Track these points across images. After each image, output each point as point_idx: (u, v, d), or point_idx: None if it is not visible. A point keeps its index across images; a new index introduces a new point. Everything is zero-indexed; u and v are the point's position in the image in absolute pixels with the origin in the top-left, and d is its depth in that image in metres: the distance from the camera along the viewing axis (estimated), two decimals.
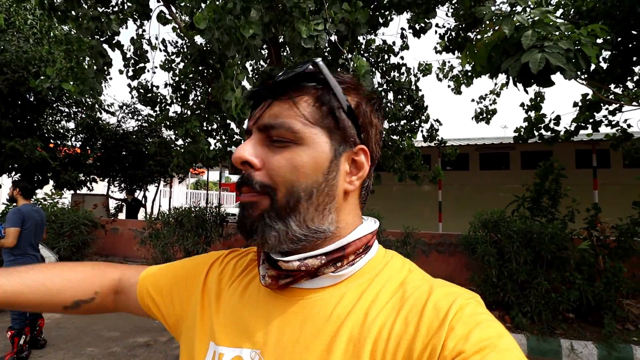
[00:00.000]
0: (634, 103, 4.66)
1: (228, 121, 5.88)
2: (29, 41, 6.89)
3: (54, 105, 8.42)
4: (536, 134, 5.27)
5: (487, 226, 4.49)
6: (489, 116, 8.02)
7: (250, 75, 3.85)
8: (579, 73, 2.41)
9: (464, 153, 10.53)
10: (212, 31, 3.34)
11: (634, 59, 4.05)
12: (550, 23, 2.53)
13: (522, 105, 5.89)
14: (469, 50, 3.25)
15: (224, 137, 6.20)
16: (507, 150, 10.67)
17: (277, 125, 0.45)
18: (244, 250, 0.63)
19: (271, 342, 0.46)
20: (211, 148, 5.49)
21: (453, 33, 4.67)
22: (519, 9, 2.58)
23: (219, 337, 0.50)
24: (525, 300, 4.01)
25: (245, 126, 0.50)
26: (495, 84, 8.26)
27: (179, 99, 6.46)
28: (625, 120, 4.98)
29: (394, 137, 6.71)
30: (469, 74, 6.83)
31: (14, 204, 3.83)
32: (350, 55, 3.22)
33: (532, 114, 5.67)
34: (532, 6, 2.89)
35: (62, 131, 8.99)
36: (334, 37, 3.82)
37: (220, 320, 0.51)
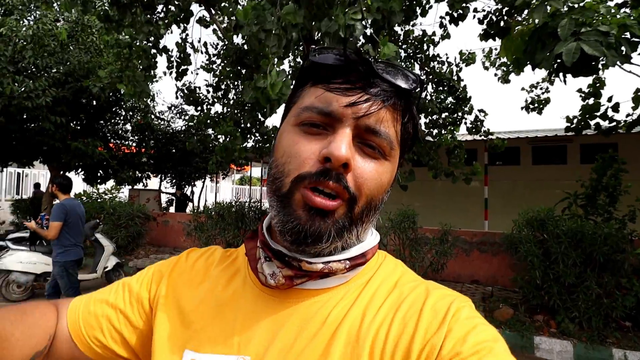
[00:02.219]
0: None
1: (261, 118, 6.03)
2: (89, 52, 7.56)
3: (113, 109, 9.18)
4: (592, 123, 4.79)
5: (533, 224, 4.19)
6: (540, 106, 7.46)
7: (285, 69, 3.91)
8: (623, 58, 2.16)
9: (514, 146, 9.89)
10: (251, 27, 3.43)
11: None
12: (591, 7, 2.31)
13: (580, 91, 5.38)
14: (507, 40, 3.06)
15: (257, 136, 6.39)
16: (564, 143, 9.83)
17: (384, 135, 0.42)
18: (205, 249, 0.59)
19: (262, 347, 0.43)
20: (247, 146, 5.68)
21: (494, 17, 4.36)
22: None
23: (197, 344, 0.46)
24: (573, 305, 3.71)
25: (322, 103, 0.42)
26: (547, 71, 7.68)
27: (218, 99, 6.75)
28: None
29: (434, 130, 6.49)
30: (509, 65, 6.38)
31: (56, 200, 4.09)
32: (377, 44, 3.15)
33: (591, 101, 5.17)
34: None
35: (120, 132, 9.80)
36: (369, 31, 3.77)
37: (197, 326, 0.47)
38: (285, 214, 0.42)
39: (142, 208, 7.76)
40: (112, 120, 9.52)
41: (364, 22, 3.12)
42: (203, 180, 11.73)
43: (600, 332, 3.58)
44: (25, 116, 6.92)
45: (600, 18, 2.16)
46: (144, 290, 0.54)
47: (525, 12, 2.54)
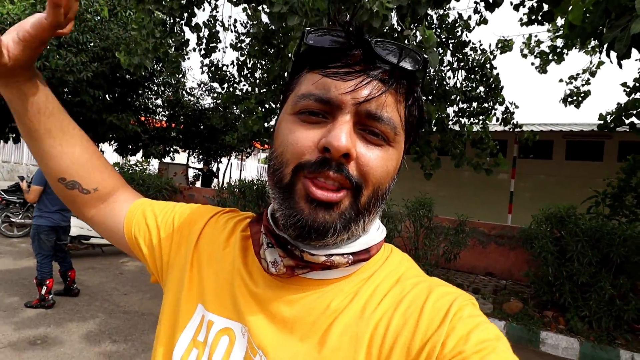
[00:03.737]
0: None
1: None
2: (126, 28, 7.84)
3: (146, 84, 9.53)
4: (627, 121, 4.57)
5: (551, 221, 4.11)
6: (580, 99, 7.10)
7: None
8: None
9: (547, 140, 9.51)
10: (280, 6, 3.41)
11: None
12: None
13: (624, 85, 5.08)
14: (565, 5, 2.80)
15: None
16: (602, 139, 9.33)
17: (386, 121, 0.40)
18: (242, 213, 0.60)
19: (261, 323, 0.44)
20: (269, 124, 5.77)
21: (534, 3, 4.16)
22: None
23: (209, 303, 0.48)
24: (584, 304, 3.66)
25: (319, 89, 0.40)
26: (591, 62, 7.23)
27: (245, 77, 6.86)
28: None
29: (463, 119, 6.34)
30: (560, 43, 6.01)
31: None
32: (413, 30, 3.07)
33: (638, 95, 4.88)
34: None
35: (151, 107, 10.19)
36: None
37: (211, 285, 0.50)
38: (287, 206, 0.41)
39: (169, 181, 8.14)
40: (144, 95, 9.90)
41: (386, 11, 3.05)
42: (229, 157, 12.06)
43: (610, 332, 3.53)
44: (66, 89, 7.32)
45: None
46: (180, 231, 0.58)
47: None
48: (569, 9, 2.53)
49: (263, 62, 6.79)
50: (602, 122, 4.82)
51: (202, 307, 0.48)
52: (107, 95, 8.53)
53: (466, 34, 6.17)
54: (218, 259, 0.52)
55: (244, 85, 7.07)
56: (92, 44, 7.59)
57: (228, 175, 12.77)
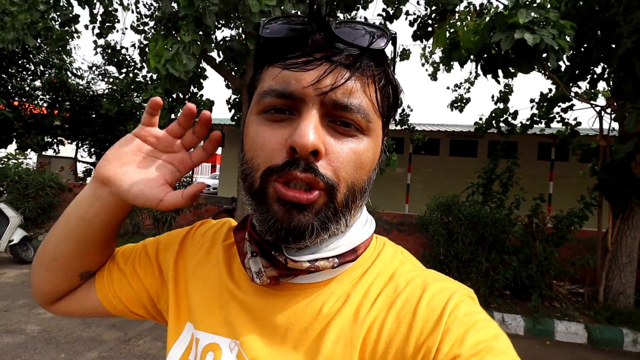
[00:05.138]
0: (589, 102, 5.01)
1: (194, 90, 5.85)
2: None
3: (20, 62, 8.05)
4: (495, 125, 5.59)
5: (441, 209, 4.82)
6: (462, 104, 8.30)
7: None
8: (551, 63, 2.65)
9: (435, 139, 10.86)
10: None
11: (591, 60, 4.35)
12: (541, 6, 2.74)
13: (493, 97, 6.18)
14: (439, 35, 3.39)
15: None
16: (476, 139, 11.10)
17: (355, 109, 0.37)
18: (216, 222, 0.59)
19: (253, 336, 0.43)
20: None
21: (422, 21, 4.82)
22: None
23: (198, 321, 0.47)
24: (467, 277, 4.41)
25: (280, 84, 0.37)
26: (470, 72, 8.53)
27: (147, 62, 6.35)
28: (575, 118, 5.35)
29: None
30: (442, 59, 7.00)
31: None
32: None
33: (501, 105, 5.97)
34: None
35: (27, 89, 8.65)
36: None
37: (198, 303, 0.48)
38: (261, 211, 0.39)
39: (54, 177, 7.06)
40: (19, 76, 8.35)
41: (283, 8, 3.12)
42: None
43: (486, 299, 4.32)
44: None
45: (548, 18, 2.59)
46: (156, 259, 0.56)
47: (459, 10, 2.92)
48: (445, 43, 3.18)
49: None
50: (477, 126, 5.81)
51: (192, 325, 0.47)
52: None
53: None
54: (202, 276, 0.50)
55: (148, 72, 6.52)
56: None
57: None
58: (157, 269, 0.55)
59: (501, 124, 5.56)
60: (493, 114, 5.58)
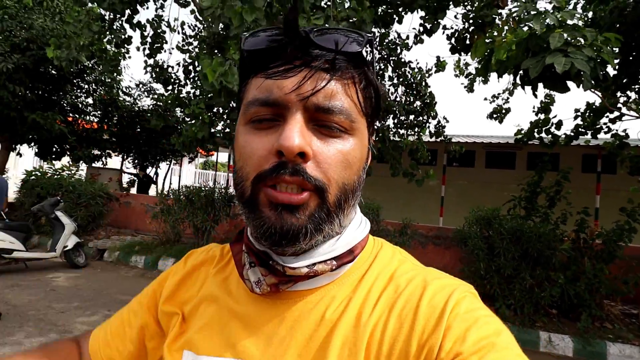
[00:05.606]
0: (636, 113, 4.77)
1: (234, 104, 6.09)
2: (54, 19, 7.15)
3: (75, 81, 8.73)
4: (537, 136, 5.41)
5: (480, 222, 4.71)
6: (502, 115, 8.11)
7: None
8: (593, 82, 2.55)
9: (470, 150, 10.63)
10: (216, 11, 3.39)
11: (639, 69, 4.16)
12: (576, 28, 2.64)
13: (533, 108, 6.03)
14: (478, 47, 3.36)
15: (228, 121, 6.45)
16: (514, 150, 10.74)
17: (338, 110, 0.39)
18: (203, 248, 0.59)
19: (257, 350, 0.42)
20: (216, 130, 5.69)
21: (461, 35, 4.81)
22: (541, 6, 2.71)
23: (196, 345, 0.45)
24: (509, 293, 4.25)
25: (263, 93, 0.39)
26: (509, 82, 8.33)
27: (191, 80, 6.70)
28: (624, 130, 5.09)
29: (401, 130, 6.89)
30: (478, 71, 6.92)
31: None
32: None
33: (542, 116, 5.79)
34: (554, 5, 2.96)
35: (80, 106, 9.34)
36: None
37: (196, 327, 0.47)
38: (254, 217, 0.40)
39: (104, 187, 7.54)
40: (73, 93, 9.05)
41: (328, 25, 3.23)
42: (169, 162, 11.48)
43: (531, 317, 4.14)
44: None
45: (582, 40, 2.50)
46: (151, 307, 0.55)
47: (522, 16, 2.81)
48: (483, 54, 3.11)
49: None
50: (518, 137, 5.64)
51: (191, 353, 0.45)
52: (27, 92, 7.66)
53: (405, 53, 6.76)
54: (198, 300, 0.50)
55: (192, 88, 6.88)
56: (12, 33, 6.79)
57: (169, 181, 12.12)
58: (154, 315, 0.55)
59: (543, 135, 5.37)
60: (534, 125, 5.41)
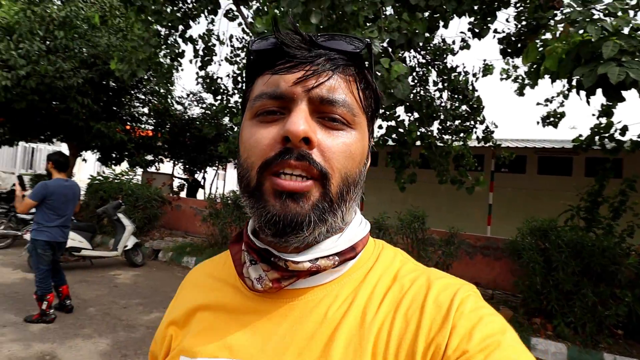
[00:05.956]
0: None
1: None
2: (117, 36, 7.78)
3: (132, 92, 9.41)
4: (598, 142, 5.04)
5: (535, 234, 4.46)
6: (556, 119, 7.66)
7: None
8: None
9: (521, 155, 10.11)
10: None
11: None
12: (632, 36, 2.47)
13: (594, 114, 5.64)
14: (530, 50, 3.22)
15: None
16: (570, 155, 10.06)
17: (341, 102, 0.41)
18: (195, 268, 0.59)
19: (256, 350, 0.41)
20: None
21: (512, 38, 4.61)
22: (597, 13, 2.57)
23: (192, 350, 0.44)
24: (569, 310, 3.98)
25: (270, 87, 0.41)
26: (564, 86, 7.85)
27: (239, 90, 6.98)
28: None
29: (446, 136, 6.71)
30: (529, 75, 6.60)
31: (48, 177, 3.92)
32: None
33: (604, 119, 5.40)
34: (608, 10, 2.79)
35: (137, 115, 10.05)
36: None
37: (192, 332, 0.47)
38: (258, 207, 0.40)
39: (158, 191, 8.03)
40: (131, 104, 9.76)
41: (379, 41, 3.23)
42: (216, 167, 12.01)
43: (594, 337, 3.85)
44: (54, 95, 7.14)
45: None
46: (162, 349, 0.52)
47: (577, 22, 2.68)
48: (535, 58, 2.95)
49: None
50: (576, 143, 5.29)
51: (186, 357, 0.44)
52: (93, 104, 8.38)
53: (452, 58, 6.60)
54: (192, 306, 0.49)
55: (239, 98, 7.18)
56: (81, 50, 7.48)
57: (215, 186, 12.68)
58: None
59: (605, 141, 4.99)
60: (595, 130, 5.05)
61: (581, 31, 2.61)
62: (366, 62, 0.46)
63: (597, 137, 5.00)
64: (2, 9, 6.75)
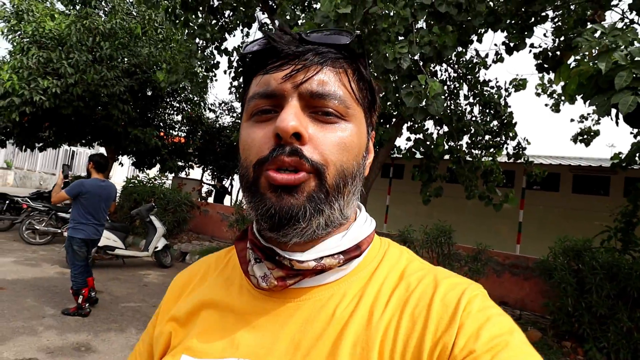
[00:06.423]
0: None
1: None
2: (157, 47, 8.22)
3: (167, 100, 9.87)
4: (639, 161, 4.83)
5: (568, 254, 4.30)
6: (589, 137, 7.41)
7: None
8: None
9: (554, 172, 9.76)
10: None
11: None
12: None
13: (632, 133, 5.43)
14: (562, 70, 3.20)
15: None
16: (608, 174, 9.61)
17: (332, 95, 0.41)
18: (186, 268, 0.58)
19: (263, 349, 0.41)
20: None
21: (549, 53, 4.53)
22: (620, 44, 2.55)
23: (194, 349, 0.44)
24: (602, 335, 3.80)
25: (262, 86, 0.42)
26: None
27: None
28: None
29: (475, 151, 6.60)
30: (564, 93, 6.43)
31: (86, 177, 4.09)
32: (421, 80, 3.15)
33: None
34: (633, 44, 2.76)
35: (171, 122, 10.51)
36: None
37: (195, 331, 0.46)
38: (255, 201, 0.41)
39: (188, 196, 8.32)
40: (165, 111, 10.23)
41: (410, 54, 3.26)
42: None
43: None
44: (97, 102, 7.61)
45: None
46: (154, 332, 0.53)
47: (593, 52, 2.69)
48: (567, 78, 2.92)
49: None
50: (615, 161, 5.08)
51: (188, 356, 0.44)
52: (132, 111, 8.85)
53: (485, 73, 6.51)
54: (195, 303, 0.49)
55: None
56: (123, 60, 7.96)
57: (241, 193, 12.95)
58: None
59: None
60: (636, 147, 4.84)
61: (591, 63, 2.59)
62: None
63: (637, 155, 4.79)
64: (54, 22, 7.31)
